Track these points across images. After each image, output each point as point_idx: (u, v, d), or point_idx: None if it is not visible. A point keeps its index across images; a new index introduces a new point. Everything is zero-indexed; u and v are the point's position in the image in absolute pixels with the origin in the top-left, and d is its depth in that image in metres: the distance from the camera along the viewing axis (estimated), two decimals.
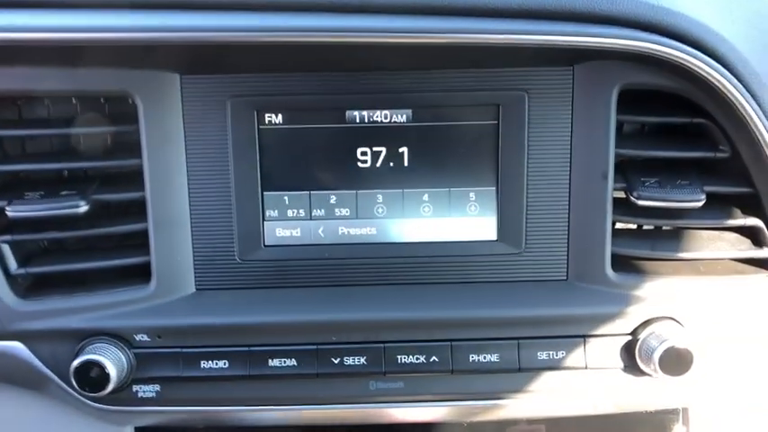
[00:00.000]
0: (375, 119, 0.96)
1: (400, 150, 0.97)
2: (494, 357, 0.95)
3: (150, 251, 0.95)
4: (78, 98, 0.97)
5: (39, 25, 0.84)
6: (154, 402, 0.98)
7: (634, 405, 1.02)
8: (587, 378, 0.97)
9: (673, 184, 0.94)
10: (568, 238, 0.98)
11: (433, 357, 0.95)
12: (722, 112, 0.91)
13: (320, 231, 0.99)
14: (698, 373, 0.94)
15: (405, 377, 0.97)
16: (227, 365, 0.95)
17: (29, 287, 0.99)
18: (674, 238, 1.00)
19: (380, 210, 0.99)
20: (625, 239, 0.98)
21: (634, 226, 1.03)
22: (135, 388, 0.97)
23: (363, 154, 0.97)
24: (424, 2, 0.85)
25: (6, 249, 0.96)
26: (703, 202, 0.93)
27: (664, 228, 1.02)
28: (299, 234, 0.99)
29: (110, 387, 0.92)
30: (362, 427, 1.03)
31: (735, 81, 0.87)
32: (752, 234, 0.99)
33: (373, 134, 0.96)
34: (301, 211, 0.99)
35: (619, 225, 1.00)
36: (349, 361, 0.95)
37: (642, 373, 0.96)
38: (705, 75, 0.86)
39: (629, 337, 0.97)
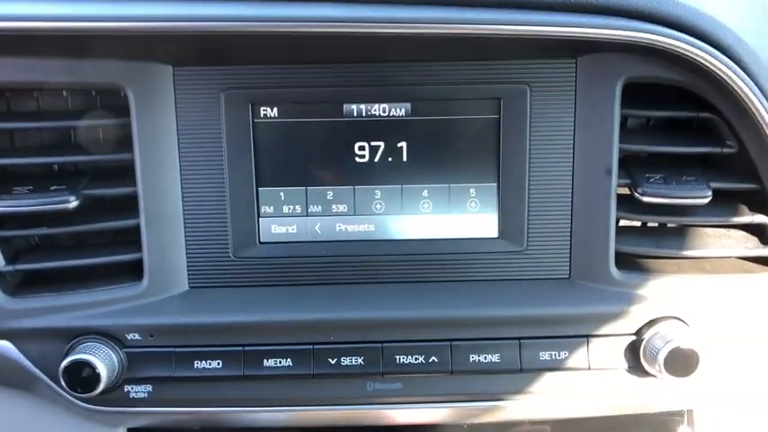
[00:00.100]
0: (373, 112, 0.95)
1: (399, 145, 0.95)
2: (495, 358, 0.94)
3: (142, 248, 0.94)
4: (68, 90, 0.96)
5: (26, 14, 0.82)
6: (146, 403, 0.96)
7: (638, 406, 1.01)
8: (590, 379, 0.96)
9: (678, 180, 0.93)
10: (571, 236, 0.97)
11: (433, 357, 0.94)
12: (729, 106, 0.90)
13: (317, 228, 0.98)
14: (703, 374, 0.93)
15: (403, 378, 0.96)
16: (220, 365, 0.94)
17: (18, 284, 0.98)
18: (680, 235, 0.98)
19: (379, 206, 0.97)
20: (629, 237, 0.97)
21: (638, 223, 1.02)
22: (126, 388, 0.96)
23: (361, 149, 0.95)
24: None
25: None
26: (709, 198, 0.91)
27: (668, 225, 1.01)
28: (295, 231, 0.98)
29: (100, 387, 0.91)
30: (360, 428, 1.02)
31: (742, 74, 0.86)
32: (759, 231, 0.97)
33: (371, 128, 0.95)
34: (297, 207, 0.97)
35: (622, 222, 0.99)
36: (346, 361, 0.94)
37: (646, 373, 0.95)
38: (712, 67, 0.85)
39: (634, 338, 0.95)
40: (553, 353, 0.94)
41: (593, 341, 0.95)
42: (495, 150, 0.95)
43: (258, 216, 0.97)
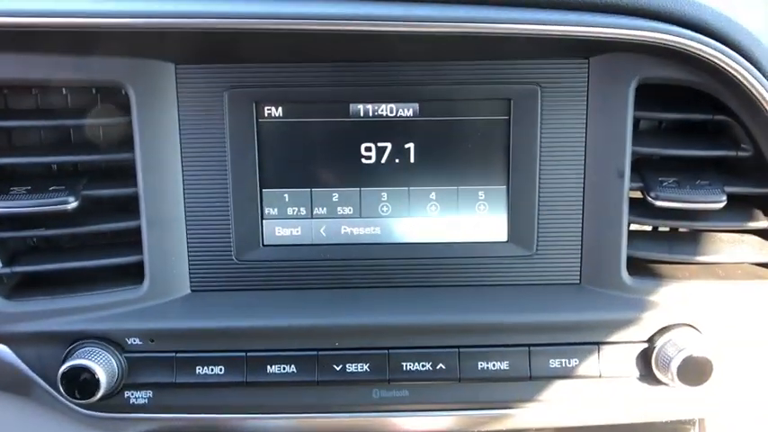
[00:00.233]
0: (380, 113, 0.93)
1: (406, 146, 0.94)
2: (503, 365, 0.93)
3: (143, 250, 0.93)
4: (68, 88, 0.94)
5: (27, 10, 0.81)
6: (146, 409, 0.95)
7: (649, 415, 0.99)
8: (601, 387, 0.95)
9: (692, 184, 0.92)
10: (582, 240, 0.96)
11: (440, 365, 0.93)
12: (745, 108, 0.88)
13: (322, 231, 0.97)
14: (716, 382, 0.91)
15: (410, 385, 0.95)
16: (223, 371, 0.93)
17: (15, 287, 0.97)
18: (693, 240, 0.97)
19: (385, 208, 0.96)
20: (641, 242, 0.96)
21: (649, 228, 1.00)
22: (126, 394, 0.95)
23: (368, 149, 0.94)
24: None
25: None
26: (724, 203, 0.90)
27: (680, 229, 0.99)
28: (299, 233, 0.96)
29: (100, 393, 0.89)
30: None
31: (759, 75, 0.84)
32: None
33: (378, 129, 0.94)
34: (302, 209, 0.96)
35: (633, 226, 0.97)
36: (351, 368, 0.93)
37: (658, 382, 0.94)
38: (728, 68, 0.84)
39: (645, 345, 0.94)
40: (563, 360, 0.93)
41: (604, 348, 0.93)
42: (504, 152, 0.94)
43: (262, 218, 0.96)
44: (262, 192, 0.95)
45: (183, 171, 0.93)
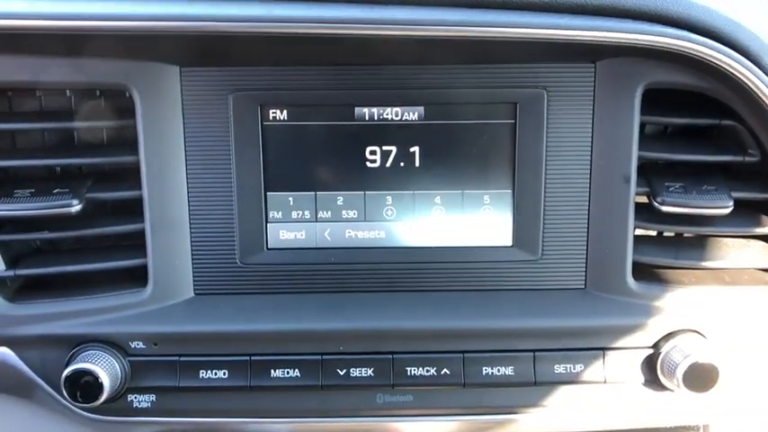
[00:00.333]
0: (385, 116, 0.93)
1: (411, 150, 0.93)
2: (508, 370, 0.92)
3: (147, 253, 0.93)
4: (72, 91, 0.94)
5: (33, 12, 0.81)
6: (149, 413, 0.95)
7: (653, 421, 0.99)
8: (606, 393, 0.95)
9: (698, 189, 0.91)
10: (587, 245, 0.95)
11: (445, 370, 0.92)
12: (752, 113, 0.88)
13: (326, 234, 0.96)
14: (721, 389, 0.91)
15: (414, 390, 0.94)
16: (226, 375, 0.92)
17: (18, 290, 0.96)
18: (699, 245, 0.97)
19: (390, 212, 0.95)
20: (647, 247, 0.96)
21: (654, 232, 1.00)
22: (130, 398, 0.94)
23: (372, 153, 0.93)
24: None
25: None
26: (731, 208, 0.89)
27: (686, 235, 0.99)
28: (303, 237, 0.96)
29: (103, 397, 0.89)
30: None
31: (767, 80, 0.84)
32: None
33: (383, 132, 0.93)
34: (306, 212, 0.95)
35: (638, 231, 0.97)
36: (355, 372, 0.92)
37: (663, 388, 0.94)
38: (736, 73, 0.84)
39: (651, 351, 0.94)
40: (568, 366, 0.93)
41: (610, 354, 0.93)
42: (510, 156, 0.93)
43: (266, 221, 0.95)
44: (266, 195, 0.94)
45: (187, 174, 0.93)
